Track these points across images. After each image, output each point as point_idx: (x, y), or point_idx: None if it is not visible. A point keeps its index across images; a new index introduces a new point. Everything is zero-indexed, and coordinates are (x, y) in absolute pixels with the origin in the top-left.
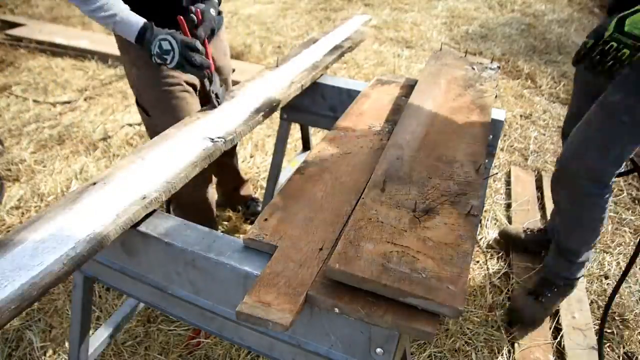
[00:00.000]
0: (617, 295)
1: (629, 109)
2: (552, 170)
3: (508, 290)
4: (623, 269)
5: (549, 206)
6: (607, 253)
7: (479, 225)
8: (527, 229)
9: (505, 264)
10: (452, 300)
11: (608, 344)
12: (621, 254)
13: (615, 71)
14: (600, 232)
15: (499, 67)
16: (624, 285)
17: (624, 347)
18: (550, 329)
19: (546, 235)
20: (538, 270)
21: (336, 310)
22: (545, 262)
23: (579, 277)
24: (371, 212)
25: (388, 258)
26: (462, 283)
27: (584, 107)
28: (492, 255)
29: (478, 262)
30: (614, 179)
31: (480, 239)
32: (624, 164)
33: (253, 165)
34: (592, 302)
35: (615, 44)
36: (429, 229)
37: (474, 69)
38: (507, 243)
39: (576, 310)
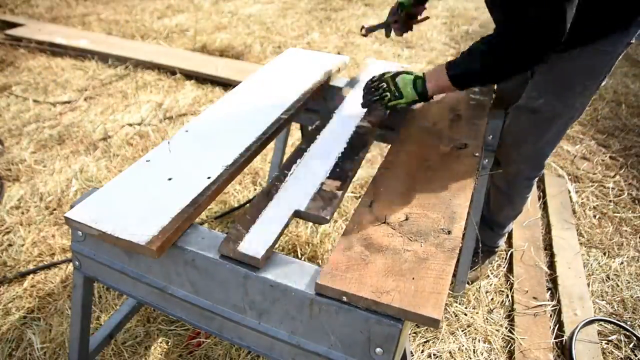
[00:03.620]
0: (618, 296)
1: (548, 106)
2: (548, 166)
3: (509, 290)
4: (624, 269)
5: (551, 205)
6: (606, 254)
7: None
8: None
9: (506, 264)
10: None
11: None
12: (622, 255)
13: (375, 106)
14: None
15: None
16: (625, 285)
17: (625, 348)
18: (550, 327)
19: None
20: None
21: (344, 298)
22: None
23: (500, 246)
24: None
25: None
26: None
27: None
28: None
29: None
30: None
31: None
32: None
33: (253, 164)
34: (593, 302)
35: (384, 85)
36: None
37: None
38: None
39: (578, 307)
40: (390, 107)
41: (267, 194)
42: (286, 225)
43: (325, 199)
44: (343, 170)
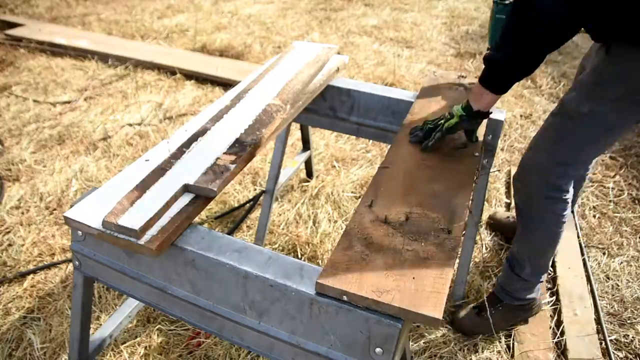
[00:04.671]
0: (618, 296)
1: (577, 108)
2: None
3: None
4: (624, 269)
5: None
6: (606, 254)
7: (478, 227)
8: (512, 216)
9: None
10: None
11: (613, 345)
12: (622, 255)
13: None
14: (551, 254)
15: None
16: (625, 285)
17: (626, 348)
18: (550, 327)
19: None
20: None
21: (344, 297)
22: (497, 278)
23: (529, 300)
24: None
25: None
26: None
27: None
28: (491, 257)
29: (476, 263)
30: (568, 193)
31: (481, 242)
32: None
33: (253, 164)
34: (593, 303)
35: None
36: None
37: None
38: (497, 227)
39: (578, 307)
40: (445, 132)
41: (161, 170)
42: (174, 198)
43: (216, 173)
44: (242, 144)
